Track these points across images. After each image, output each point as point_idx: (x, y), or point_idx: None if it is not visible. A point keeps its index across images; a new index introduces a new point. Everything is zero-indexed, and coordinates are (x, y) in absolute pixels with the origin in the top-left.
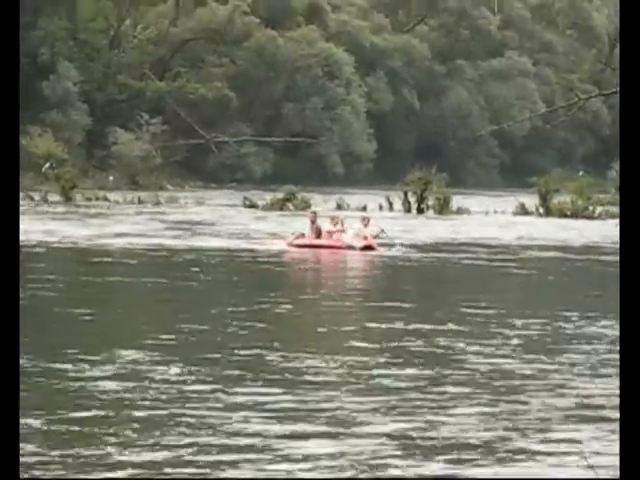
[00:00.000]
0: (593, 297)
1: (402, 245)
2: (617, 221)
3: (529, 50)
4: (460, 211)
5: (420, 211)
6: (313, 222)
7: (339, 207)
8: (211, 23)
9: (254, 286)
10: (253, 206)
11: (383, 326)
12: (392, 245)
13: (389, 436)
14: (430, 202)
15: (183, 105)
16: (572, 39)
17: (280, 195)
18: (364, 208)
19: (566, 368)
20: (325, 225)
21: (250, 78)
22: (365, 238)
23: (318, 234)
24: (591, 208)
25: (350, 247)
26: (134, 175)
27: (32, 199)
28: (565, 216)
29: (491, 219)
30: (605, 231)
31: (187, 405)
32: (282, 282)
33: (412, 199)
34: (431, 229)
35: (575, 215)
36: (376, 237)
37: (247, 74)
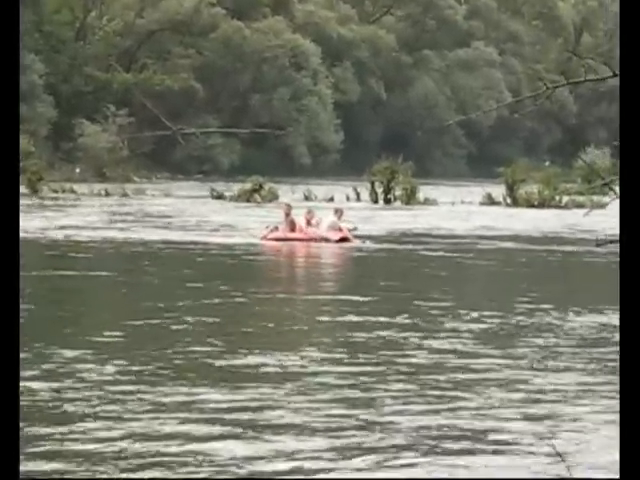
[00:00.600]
0: (548, 288)
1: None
2: (583, 211)
3: (495, 40)
4: (427, 202)
5: (387, 201)
6: (287, 215)
7: (306, 198)
8: (177, 14)
9: (220, 280)
10: (220, 197)
11: (336, 319)
12: (366, 237)
13: (314, 434)
14: (397, 193)
15: (150, 97)
16: (538, 29)
17: (247, 186)
18: (331, 199)
19: (515, 362)
20: (299, 218)
21: (217, 69)
22: (340, 230)
23: (292, 227)
24: (558, 198)
25: (325, 240)
26: (101, 167)
27: None
28: (532, 206)
29: (457, 209)
30: (569, 220)
31: (104, 405)
32: (247, 276)
33: (379, 190)
34: (396, 219)
35: (542, 205)
36: (351, 231)
37: (214, 65)
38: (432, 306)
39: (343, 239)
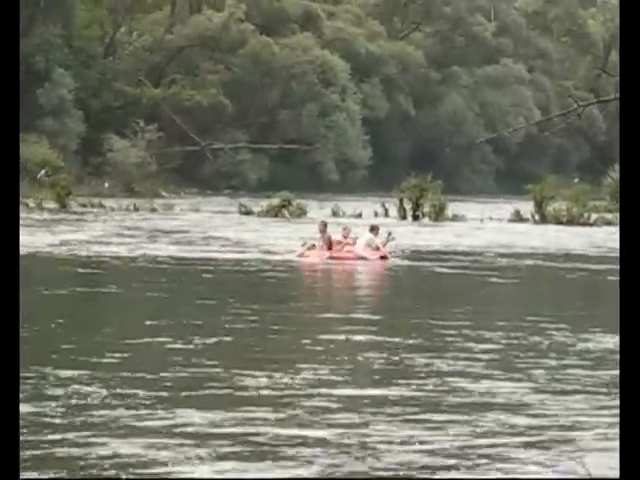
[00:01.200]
0: (571, 307)
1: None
2: (612, 229)
3: (524, 57)
4: (455, 218)
5: (415, 218)
6: (323, 232)
7: (334, 214)
8: (206, 30)
9: (248, 298)
10: (249, 213)
11: (342, 337)
12: (403, 252)
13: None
14: (426, 209)
15: (178, 112)
16: (567, 46)
17: (275, 202)
18: (359, 215)
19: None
20: (336, 236)
21: (245, 85)
22: (377, 249)
23: (329, 245)
24: (586, 215)
25: (362, 258)
26: (129, 182)
27: (27, 206)
28: (560, 223)
29: (486, 226)
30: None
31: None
32: (275, 294)
33: (407, 206)
34: (424, 236)
35: (570, 222)
36: (386, 244)
37: (242, 81)
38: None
39: (381, 257)
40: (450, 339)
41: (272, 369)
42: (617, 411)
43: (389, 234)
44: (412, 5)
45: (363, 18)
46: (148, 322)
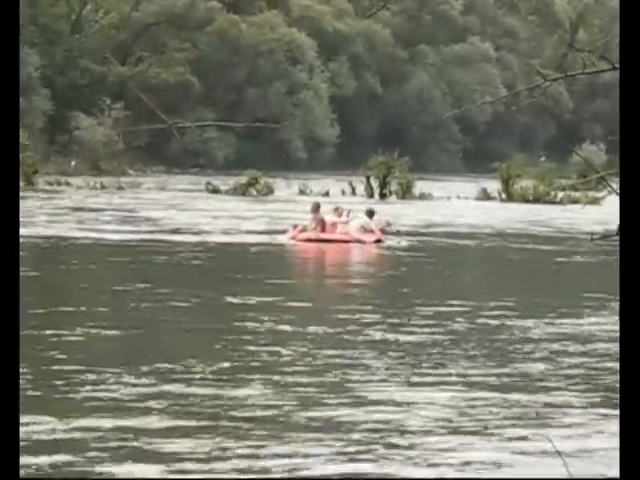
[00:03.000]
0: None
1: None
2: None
3: (491, 35)
4: (423, 196)
5: (382, 196)
6: (316, 213)
7: (302, 192)
8: (173, 7)
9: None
10: (216, 191)
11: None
12: (397, 235)
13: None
14: (393, 187)
15: (145, 90)
16: (534, 25)
17: (243, 180)
18: (327, 193)
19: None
20: (328, 217)
21: (212, 63)
22: (372, 232)
23: (322, 227)
24: (553, 193)
25: (359, 241)
26: (96, 160)
27: None
28: (527, 201)
29: (452, 204)
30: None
31: None
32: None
33: (375, 184)
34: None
35: (537, 200)
36: (383, 230)
37: (209, 59)
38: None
39: (377, 241)
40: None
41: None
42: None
43: (388, 223)
44: None
45: None
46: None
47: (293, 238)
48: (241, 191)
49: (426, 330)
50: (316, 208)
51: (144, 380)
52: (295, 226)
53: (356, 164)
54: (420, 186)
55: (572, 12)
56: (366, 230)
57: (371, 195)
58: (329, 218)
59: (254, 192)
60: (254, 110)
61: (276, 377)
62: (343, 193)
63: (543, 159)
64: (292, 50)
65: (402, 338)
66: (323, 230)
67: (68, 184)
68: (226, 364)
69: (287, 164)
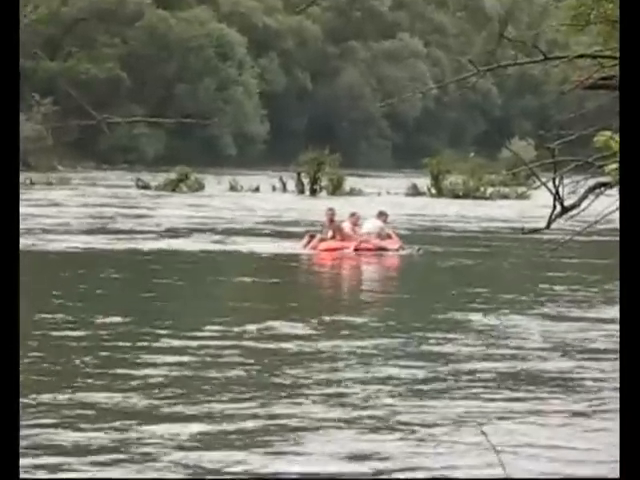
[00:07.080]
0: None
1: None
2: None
3: (421, 31)
4: (353, 192)
5: (313, 192)
6: (331, 221)
7: (232, 188)
8: (103, 3)
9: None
10: (146, 187)
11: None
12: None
13: None
14: (323, 183)
15: (75, 85)
16: (463, 21)
17: (173, 176)
18: (257, 189)
19: None
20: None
21: (142, 58)
22: (389, 237)
23: (342, 236)
24: (482, 189)
25: (383, 249)
26: (25, 156)
27: None
28: (457, 197)
29: (382, 200)
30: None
31: None
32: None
33: (305, 180)
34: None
35: (467, 196)
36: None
37: (139, 54)
38: None
39: (399, 248)
40: None
41: None
42: None
43: (418, 249)
44: None
45: None
46: None
47: (313, 248)
48: (171, 187)
49: None
50: (332, 216)
51: None
52: (312, 235)
53: (287, 160)
54: (350, 182)
55: (501, 9)
56: (382, 236)
57: (302, 191)
58: (346, 225)
59: (184, 188)
60: (184, 106)
61: None
62: (274, 189)
63: (472, 155)
64: (222, 46)
65: None
66: (342, 239)
67: None
68: None
69: (217, 160)
